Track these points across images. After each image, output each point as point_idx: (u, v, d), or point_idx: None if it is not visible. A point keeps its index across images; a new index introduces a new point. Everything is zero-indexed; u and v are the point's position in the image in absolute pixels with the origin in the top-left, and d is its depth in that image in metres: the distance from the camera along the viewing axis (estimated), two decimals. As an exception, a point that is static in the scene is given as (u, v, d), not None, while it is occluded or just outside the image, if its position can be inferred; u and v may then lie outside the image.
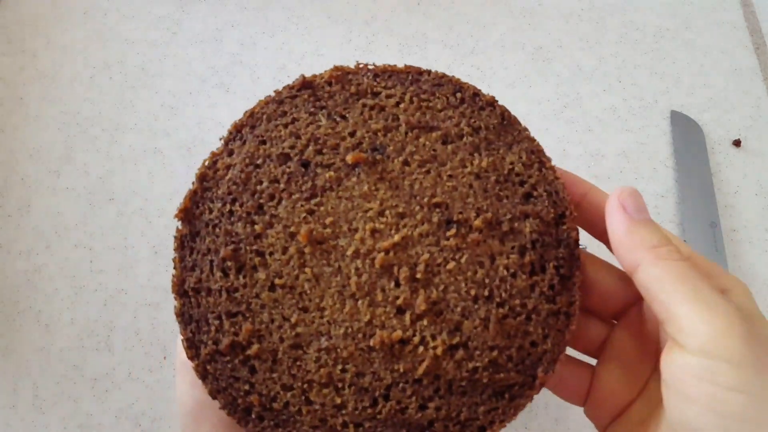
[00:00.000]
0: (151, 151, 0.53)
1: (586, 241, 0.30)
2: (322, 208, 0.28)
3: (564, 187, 0.28)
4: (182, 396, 0.30)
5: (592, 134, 0.55)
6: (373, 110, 0.29)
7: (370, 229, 0.27)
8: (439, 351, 0.26)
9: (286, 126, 0.29)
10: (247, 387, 0.27)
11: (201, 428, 0.29)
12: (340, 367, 0.26)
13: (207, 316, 0.27)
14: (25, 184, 0.51)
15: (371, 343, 0.26)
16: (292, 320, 0.27)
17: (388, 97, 0.30)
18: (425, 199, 0.28)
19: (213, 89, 0.56)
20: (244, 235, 0.28)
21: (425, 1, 0.61)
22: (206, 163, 0.29)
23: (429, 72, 0.30)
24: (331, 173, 0.28)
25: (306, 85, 0.30)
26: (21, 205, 0.51)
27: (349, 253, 0.27)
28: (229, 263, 0.27)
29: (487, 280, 0.27)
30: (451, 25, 0.60)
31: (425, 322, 0.26)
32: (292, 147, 0.29)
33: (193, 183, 0.29)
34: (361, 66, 0.30)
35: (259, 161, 0.29)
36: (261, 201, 0.28)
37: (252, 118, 0.30)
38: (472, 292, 0.27)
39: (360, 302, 0.27)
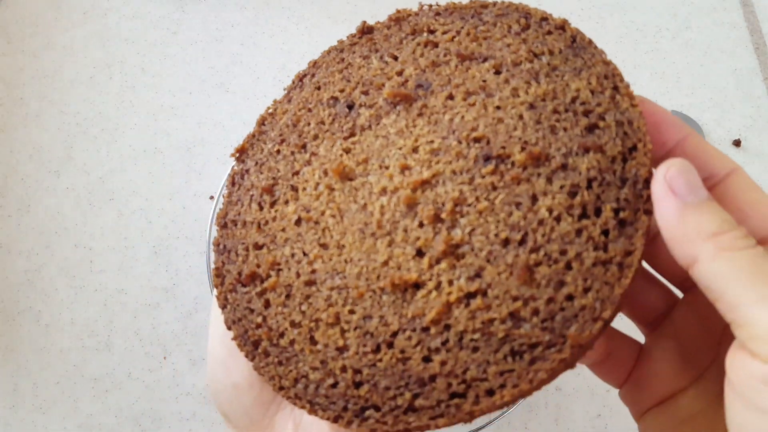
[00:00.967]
0: (151, 151, 0.53)
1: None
2: (357, 146, 0.27)
3: (642, 116, 0.23)
4: (214, 347, 0.29)
5: (592, 134, 0.55)
6: (426, 47, 0.27)
7: (400, 165, 0.25)
8: (453, 297, 0.23)
9: (340, 72, 0.29)
10: (259, 320, 0.26)
11: (231, 376, 0.29)
12: (348, 307, 0.25)
13: (237, 246, 0.27)
14: (25, 184, 0.51)
15: (382, 285, 0.24)
16: (311, 256, 0.26)
17: (444, 32, 0.27)
18: (464, 134, 0.25)
19: (213, 89, 0.56)
20: (284, 172, 0.28)
21: (425, 2, 0.61)
22: (268, 110, 0.30)
23: (495, 3, 0.27)
24: (372, 112, 0.27)
25: (366, 30, 0.30)
26: (21, 205, 0.51)
27: (376, 190, 0.25)
28: (265, 197, 0.28)
29: (522, 223, 0.23)
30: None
31: (443, 266, 0.23)
32: (341, 90, 0.28)
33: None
34: (424, 7, 0.29)
35: (311, 105, 0.29)
36: (305, 141, 0.28)
37: (314, 67, 0.30)
38: (503, 235, 0.23)
39: (379, 241, 0.25)
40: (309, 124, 0.28)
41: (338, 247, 0.25)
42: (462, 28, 0.27)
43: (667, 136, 0.23)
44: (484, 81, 0.25)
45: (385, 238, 0.25)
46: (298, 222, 0.27)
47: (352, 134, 0.27)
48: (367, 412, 0.24)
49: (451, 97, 0.26)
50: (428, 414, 0.23)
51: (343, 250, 0.25)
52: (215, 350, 0.29)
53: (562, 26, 0.26)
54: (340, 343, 0.24)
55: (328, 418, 0.24)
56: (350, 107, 0.28)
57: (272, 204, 0.28)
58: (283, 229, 0.27)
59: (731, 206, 0.22)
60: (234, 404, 0.29)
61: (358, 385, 0.24)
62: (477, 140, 0.24)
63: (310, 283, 0.26)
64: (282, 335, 0.26)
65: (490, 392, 0.22)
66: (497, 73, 0.26)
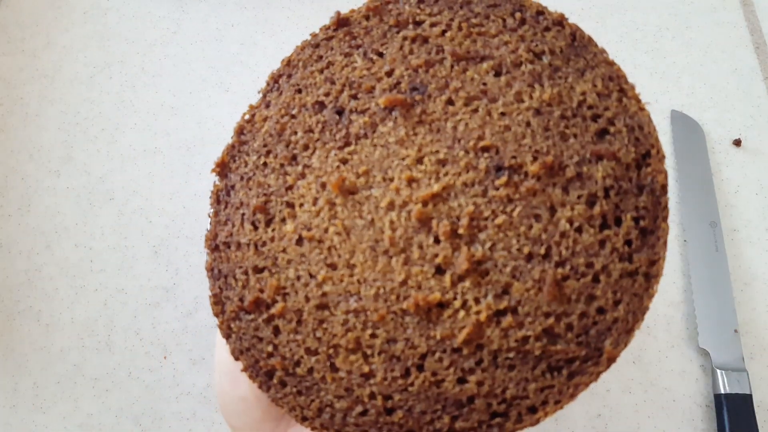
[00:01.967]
0: (151, 151, 0.53)
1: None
2: (355, 157, 0.25)
3: (650, 120, 0.23)
4: (221, 358, 0.28)
5: (592, 134, 0.55)
6: (415, 43, 0.26)
7: (406, 178, 0.24)
8: (482, 317, 0.22)
9: (321, 71, 0.27)
10: (270, 348, 0.25)
11: (238, 388, 0.27)
12: (369, 331, 0.23)
13: (234, 271, 0.26)
14: (25, 184, 0.51)
15: (405, 306, 0.23)
16: (319, 278, 0.24)
17: (433, 25, 0.26)
18: (471, 143, 0.24)
19: (213, 89, 0.56)
20: (276, 187, 0.26)
21: None
22: (245, 117, 0.28)
23: None
24: (366, 119, 0.25)
25: (342, 23, 0.27)
26: (21, 205, 0.51)
27: (383, 204, 0.24)
28: (258, 216, 0.26)
29: (544, 236, 0.22)
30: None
31: (468, 284, 0.23)
32: (327, 94, 0.26)
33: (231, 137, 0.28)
34: None
35: (295, 111, 0.27)
36: (295, 152, 0.26)
37: (289, 67, 0.28)
38: (525, 250, 0.23)
39: (394, 260, 0.24)
40: (296, 132, 0.26)
41: (348, 266, 0.24)
42: (452, 20, 0.26)
43: None
44: (485, 84, 0.25)
45: (400, 255, 0.24)
46: (299, 241, 0.25)
47: (347, 144, 0.26)
48: None
49: (451, 102, 0.25)
50: None
51: (354, 270, 0.24)
52: (221, 361, 0.28)
53: (560, 22, 0.25)
54: (365, 369, 0.23)
55: None
56: (340, 113, 0.26)
57: (268, 223, 0.26)
58: (284, 250, 0.25)
59: None
60: (243, 418, 0.28)
61: (390, 411, 0.23)
62: (485, 150, 0.24)
63: (321, 306, 0.24)
64: (298, 364, 0.24)
65: (533, 409, 0.22)
66: (497, 75, 0.25)
